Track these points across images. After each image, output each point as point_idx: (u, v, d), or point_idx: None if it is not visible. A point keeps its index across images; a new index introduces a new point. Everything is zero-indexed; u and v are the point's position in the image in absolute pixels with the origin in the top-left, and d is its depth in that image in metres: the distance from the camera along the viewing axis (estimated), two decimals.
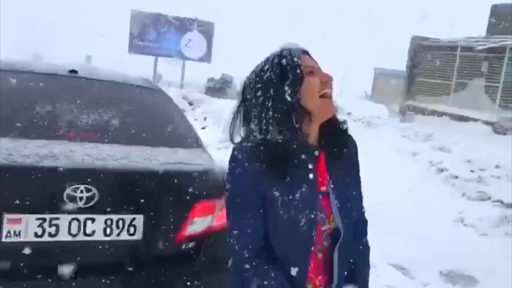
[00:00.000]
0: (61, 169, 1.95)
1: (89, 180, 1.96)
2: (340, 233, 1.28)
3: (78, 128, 2.38)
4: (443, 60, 15.10)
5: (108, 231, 2.02)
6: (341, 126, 1.35)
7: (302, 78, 1.24)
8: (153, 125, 2.68)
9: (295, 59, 1.26)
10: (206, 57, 21.30)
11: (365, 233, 1.44)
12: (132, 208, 2.06)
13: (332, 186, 1.29)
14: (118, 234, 2.04)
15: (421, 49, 15.98)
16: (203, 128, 11.00)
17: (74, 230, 1.97)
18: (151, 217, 2.09)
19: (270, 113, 1.23)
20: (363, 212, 1.45)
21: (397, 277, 3.96)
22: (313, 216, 1.23)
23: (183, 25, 20.94)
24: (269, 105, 1.23)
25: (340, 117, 1.36)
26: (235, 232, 1.25)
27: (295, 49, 1.29)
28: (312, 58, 1.31)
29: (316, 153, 1.29)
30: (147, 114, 2.78)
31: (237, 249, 1.24)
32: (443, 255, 4.36)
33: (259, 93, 1.25)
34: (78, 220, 1.97)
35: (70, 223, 1.96)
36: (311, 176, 1.26)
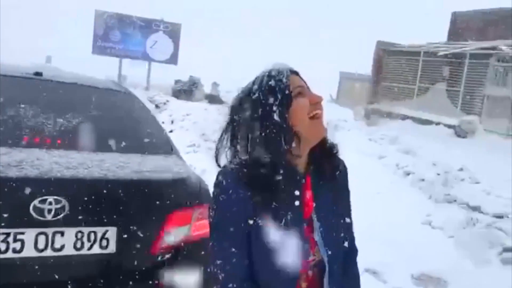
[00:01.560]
0: (27, 179, 1.82)
1: (58, 191, 1.84)
2: (325, 263, 1.23)
3: (45, 135, 2.24)
4: (406, 65, 15.51)
5: (78, 244, 1.90)
6: (331, 150, 1.30)
7: (291, 99, 1.20)
8: (125, 130, 2.57)
9: (284, 80, 1.21)
10: (173, 59, 21.01)
11: (354, 263, 1.39)
12: (104, 219, 1.95)
13: (317, 214, 1.23)
14: (90, 248, 1.92)
15: (385, 54, 16.35)
16: (171, 131, 10.80)
17: (41, 245, 1.84)
18: (124, 228, 1.99)
19: (257, 133, 1.18)
20: (353, 241, 1.39)
21: (370, 281, 3.97)
22: (298, 245, 1.18)
23: (149, 26, 20.57)
24: (257, 125, 1.19)
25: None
26: (218, 261, 1.18)
27: (284, 69, 1.24)
28: (301, 78, 1.27)
29: (303, 180, 1.23)
30: (118, 119, 2.66)
31: (221, 278, 1.18)
32: (413, 258, 4.41)
33: (246, 114, 1.21)
34: (45, 234, 1.84)
35: (36, 237, 1.83)
36: (297, 203, 1.20)
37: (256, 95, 1.21)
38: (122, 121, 2.64)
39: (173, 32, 21.00)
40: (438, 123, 12.56)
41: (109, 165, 2.12)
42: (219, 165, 1.25)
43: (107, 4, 22.72)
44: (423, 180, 6.77)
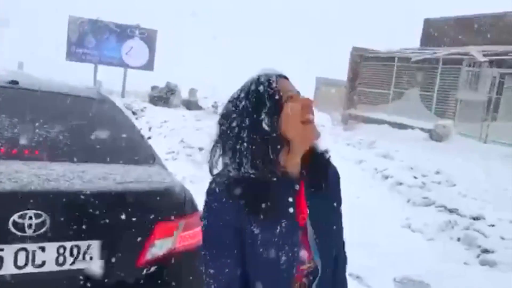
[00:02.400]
0: (6, 193, 1.75)
1: (38, 204, 1.77)
2: (319, 270, 1.22)
3: (23, 146, 2.17)
4: (381, 71, 15.78)
5: (61, 260, 1.83)
6: (323, 155, 1.29)
7: (282, 105, 1.17)
8: (107, 140, 2.50)
9: (274, 85, 1.18)
10: (149, 65, 20.76)
11: (343, 269, 1.39)
12: (87, 233, 1.89)
13: (311, 221, 1.22)
14: (73, 263, 1.86)
15: (361, 60, 16.60)
16: (149, 138, 10.68)
17: (21, 261, 1.77)
18: (109, 242, 1.93)
19: (245, 144, 1.15)
20: (343, 247, 1.39)
21: (353, 285, 3.98)
22: (293, 253, 1.17)
23: (124, 32, 20.31)
24: (244, 136, 1.16)
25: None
26: (211, 271, 1.16)
27: (272, 74, 1.21)
28: (290, 82, 1.25)
29: (297, 186, 1.21)
30: (98, 127, 2.59)
31: None
32: (395, 262, 4.46)
33: (234, 124, 1.18)
34: (25, 250, 1.77)
35: (16, 254, 1.76)
36: (291, 210, 1.18)
37: (243, 103, 1.18)
38: (103, 130, 2.57)
39: (149, 38, 20.79)
40: (413, 128, 12.79)
41: (91, 177, 2.06)
42: (212, 174, 1.23)
43: (81, 10, 22.35)
44: (401, 184, 6.87)
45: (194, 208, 2.27)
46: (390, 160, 8.93)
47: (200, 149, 9.29)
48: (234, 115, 1.18)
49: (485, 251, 4.52)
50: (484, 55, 11.95)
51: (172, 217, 2.11)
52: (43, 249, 1.80)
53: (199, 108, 16.68)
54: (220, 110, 1.28)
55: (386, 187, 7.09)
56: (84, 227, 1.88)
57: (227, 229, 1.14)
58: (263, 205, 1.13)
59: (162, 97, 16.61)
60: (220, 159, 1.22)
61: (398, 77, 15.09)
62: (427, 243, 5.02)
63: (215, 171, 1.23)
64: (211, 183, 1.18)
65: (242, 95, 1.19)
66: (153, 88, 17.96)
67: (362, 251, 4.68)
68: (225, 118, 1.21)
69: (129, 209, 2.00)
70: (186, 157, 8.67)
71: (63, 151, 2.25)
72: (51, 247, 1.82)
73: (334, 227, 1.30)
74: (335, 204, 1.33)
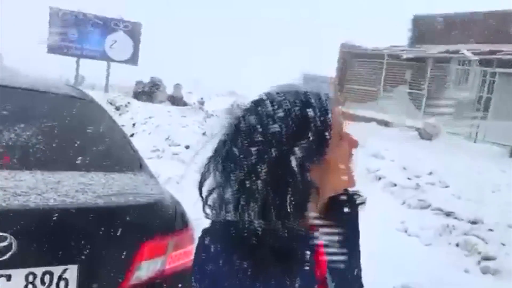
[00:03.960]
0: None
1: (3, 225, 1.49)
2: None
3: None
4: (370, 68, 15.65)
5: None
6: (353, 198, 1.04)
7: (328, 144, 0.88)
8: (87, 144, 2.21)
9: (327, 115, 0.88)
10: (133, 59, 20.36)
11: None
12: (62, 256, 1.62)
13: (330, 272, 0.96)
14: None
15: (349, 57, 16.45)
16: (132, 135, 10.32)
17: None
18: (87, 266, 1.66)
19: (260, 183, 0.84)
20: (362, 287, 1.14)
21: None
22: None
23: (107, 25, 19.82)
24: (262, 170, 0.84)
25: None
26: None
27: (325, 96, 0.91)
28: (340, 109, 0.96)
29: (315, 238, 0.93)
30: (78, 130, 2.29)
31: None
32: (393, 269, 4.26)
33: (253, 149, 0.85)
34: None
35: None
36: (306, 268, 0.91)
37: (278, 126, 0.84)
38: (83, 133, 2.28)
39: (133, 32, 20.36)
40: (402, 126, 12.68)
41: (67, 189, 1.78)
42: (205, 214, 0.92)
43: (63, 1, 21.75)
44: (395, 185, 6.70)
45: (185, 222, 2.02)
46: (381, 159, 8.76)
47: (187, 147, 8.99)
48: (258, 137, 0.85)
49: (486, 258, 4.35)
50: (474, 54, 11.88)
51: (161, 235, 1.85)
52: (8, 277, 1.52)
53: (184, 104, 16.35)
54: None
55: (380, 188, 6.91)
56: (58, 249, 1.61)
57: None
58: (273, 267, 0.85)
59: (147, 92, 16.26)
60: (216, 190, 0.90)
61: (388, 75, 14.98)
62: (425, 249, 4.84)
63: (209, 211, 0.91)
64: (203, 234, 0.88)
65: (280, 114, 0.86)
66: (138, 83, 17.58)
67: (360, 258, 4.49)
68: (239, 134, 0.88)
69: (112, 228, 1.73)
70: (172, 156, 8.36)
71: (35, 157, 1.95)
72: (18, 275, 1.54)
73: (356, 271, 1.07)
74: (354, 242, 1.08)
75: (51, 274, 1.60)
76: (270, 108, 0.86)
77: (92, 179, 1.93)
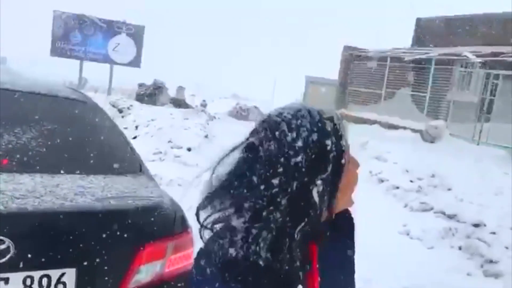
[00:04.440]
0: None
1: (0, 228, 1.49)
2: None
3: None
4: (373, 70, 15.61)
5: None
6: (349, 218, 1.01)
7: (343, 171, 0.87)
8: (86, 147, 2.21)
9: (342, 141, 0.87)
10: (136, 62, 20.39)
11: None
12: (60, 260, 1.61)
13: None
14: None
15: (352, 59, 16.42)
16: (135, 137, 10.33)
17: None
18: (85, 270, 1.66)
19: (278, 215, 0.81)
20: None
21: None
22: None
23: (111, 28, 19.88)
24: (282, 202, 0.81)
25: None
26: None
27: (339, 119, 0.89)
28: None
29: (312, 266, 0.92)
30: (78, 133, 2.29)
31: None
32: (395, 272, 4.25)
33: (275, 182, 0.81)
34: None
35: None
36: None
37: (299, 158, 0.81)
38: (83, 136, 2.29)
39: (136, 35, 20.41)
40: (405, 128, 12.64)
41: (66, 192, 1.78)
42: (198, 221, 0.89)
43: (67, 5, 21.83)
44: (397, 187, 6.67)
45: (185, 225, 2.01)
46: (383, 162, 8.74)
47: (189, 149, 9.00)
48: (279, 168, 0.81)
49: (489, 261, 4.32)
50: (477, 56, 11.84)
51: (161, 238, 1.85)
52: (6, 280, 1.52)
53: (187, 106, 16.36)
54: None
55: (382, 190, 6.89)
56: (56, 252, 1.61)
57: None
58: None
59: (149, 94, 16.25)
60: (218, 210, 0.86)
61: (390, 77, 14.94)
62: (427, 252, 4.82)
63: (207, 234, 0.88)
64: (199, 256, 0.86)
65: (299, 144, 0.82)
66: (140, 85, 17.58)
67: (359, 260, 4.44)
68: (258, 163, 0.83)
69: (110, 230, 1.72)
70: (174, 158, 8.36)
71: (34, 160, 1.95)
72: (16, 278, 1.54)
73: (345, 277, 1.03)
74: (348, 255, 1.04)
75: (49, 277, 1.59)
76: (289, 136, 0.83)
77: (91, 182, 1.93)
